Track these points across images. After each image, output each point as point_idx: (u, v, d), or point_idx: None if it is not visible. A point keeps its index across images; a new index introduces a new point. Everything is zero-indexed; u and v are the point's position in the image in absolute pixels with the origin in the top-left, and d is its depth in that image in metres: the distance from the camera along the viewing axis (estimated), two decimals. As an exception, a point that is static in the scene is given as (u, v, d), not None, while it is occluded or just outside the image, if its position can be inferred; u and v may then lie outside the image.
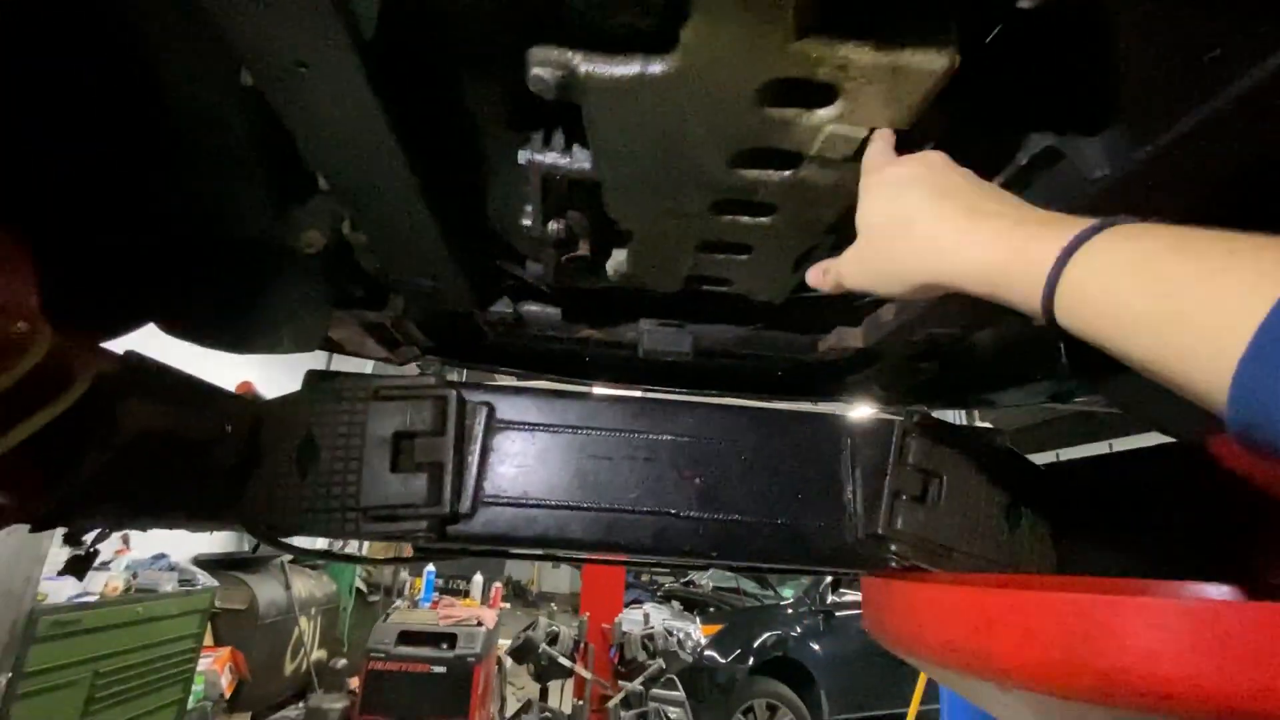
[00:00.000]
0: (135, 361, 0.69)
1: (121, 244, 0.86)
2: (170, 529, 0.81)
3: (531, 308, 1.14)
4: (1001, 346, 1.29)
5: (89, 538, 0.69)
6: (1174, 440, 1.08)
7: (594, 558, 0.96)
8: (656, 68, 0.52)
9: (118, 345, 0.87)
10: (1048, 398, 1.61)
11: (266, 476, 0.85)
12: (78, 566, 0.70)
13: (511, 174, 0.76)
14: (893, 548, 0.96)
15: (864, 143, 0.59)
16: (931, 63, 0.50)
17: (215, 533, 5.74)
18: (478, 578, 5.00)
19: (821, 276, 0.65)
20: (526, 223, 0.76)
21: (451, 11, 0.54)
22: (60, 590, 3.62)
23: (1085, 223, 0.42)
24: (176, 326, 1.06)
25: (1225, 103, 0.47)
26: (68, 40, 0.62)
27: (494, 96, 0.64)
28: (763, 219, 0.73)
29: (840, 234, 0.78)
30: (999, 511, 0.98)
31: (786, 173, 0.64)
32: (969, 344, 1.21)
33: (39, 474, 0.61)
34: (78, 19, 0.60)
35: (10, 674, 3.27)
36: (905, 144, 0.61)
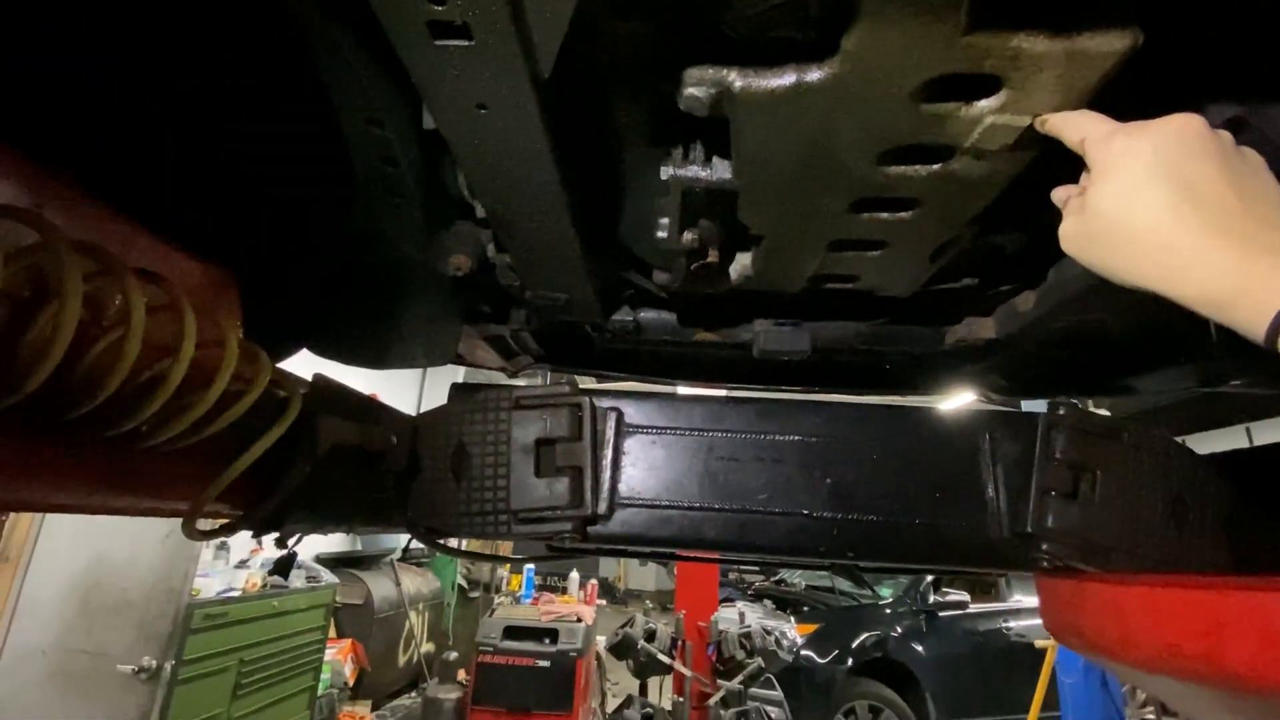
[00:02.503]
0: (324, 382, 0.77)
1: (295, 278, 0.95)
2: (349, 532, 0.89)
3: (649, 315, 1.17)
4: (1142, 326, 1.19)
5: (291, 541, 0.77)
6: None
7: (728, 557, 0.97)
8: (814, 76, 0.53)
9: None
10: (1198, 381, 1.48)
11: (426, 484, 0.92)
12: (284, 567, 0.78)
13: (647, 189, 0.78)
14: (1044, 547, 0.91)
15: (1025, 131, 0.57)
16: (1111, 44, 0.48)
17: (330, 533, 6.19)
18: (574, 575, 5.15)
19: (1063, 199, 0.59)
20: (662, 235, 0.78)
21: (615, 41, 0.56)
22: (210, 586, 4.02)
23: None
24: (326, 347, 1.17)
25: None
26: (274, 92, 0.70)
27: (639, 117, 0.67)
28: (903, 214, 0.72)
29: (985, 224, 0.76)
30: (1163, 507, 0.91)
31: (935, 166, 0.63)
32: (1107, 327, 1.13)
33: (257, 486, 0.70)
34: (285, 78, 0.67)
35: (174, 661, 3.68)
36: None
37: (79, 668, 3.59)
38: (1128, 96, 0.63)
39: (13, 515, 3.70)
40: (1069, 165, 0.72)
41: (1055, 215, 0.70)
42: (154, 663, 3.63)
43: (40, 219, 0.48)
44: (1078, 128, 0.53)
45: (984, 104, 0.54)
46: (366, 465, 0.85)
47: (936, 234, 0.76)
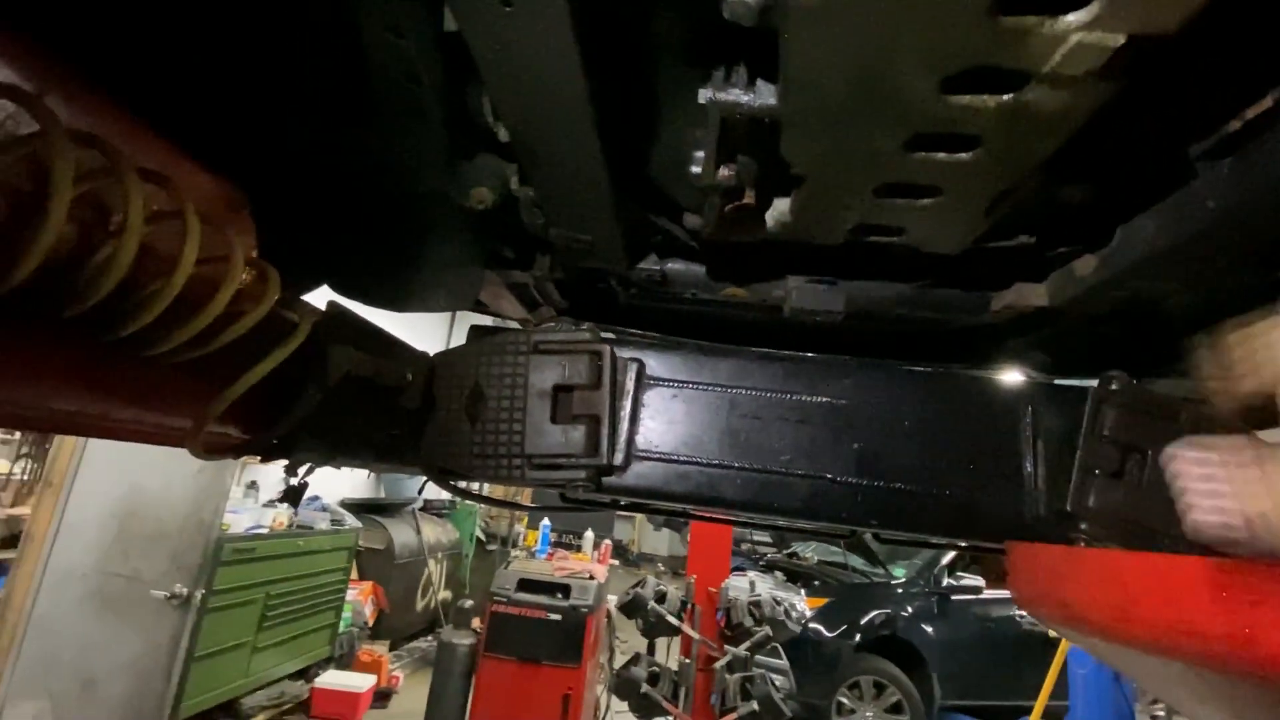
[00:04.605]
0: (339, 311, 0.74)
1: (314, 205, 0.93)
2: (362, 468, 0.88)
3: (676, 266, 1.12)
4: (1203, 303, 1.11)
5: (301, 471, 0.76)
6: None
7: (745, 518, 0.94)
8: (878, -22, 0.47)
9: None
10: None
11: (441, 423, 0.90)
12: (293, 496, 0.78)
13: (680, 117, 0.73)
14: (1083, 526, 0.86)
15: (1116, 54, 0.50)
16: (1234, -58, 0.41)
17: (354, 479, 6.37)
18: (589, 534, 5.22)
19: None
20: (696, 169, 0.73)
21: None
22: (239, 522, 4.17)
23: None
24: (349, 286, 1.15)
25: None
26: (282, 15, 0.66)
27: (679, 27, 0.61)
28: (962, 155, 0.65)
29: (1050, 173, 0.69)
30: (1219, 493, 0.85)
31: (1006, 97, 0.56)
32: (1169, 299, 1.05)
33: (266, 411, 0.68)
34: None
35: (204, 590, 3.84)
36: (1150, 56, 0.51)
37: (115, 590, 3.78)
38: (1231, 28, 0.55)
39: (56, 442, 3.86)
40: (1159, 102, 0.64)
41: (1131, 163, 0.63)
42: (185, 590, 3.80)
43: (39, 105, 0.46)
44: None
45: (1071, 18, 0.48)
46: (381, 400, 0.83)
47: (996, 181, 0.70)
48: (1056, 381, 1.13)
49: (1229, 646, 0.35)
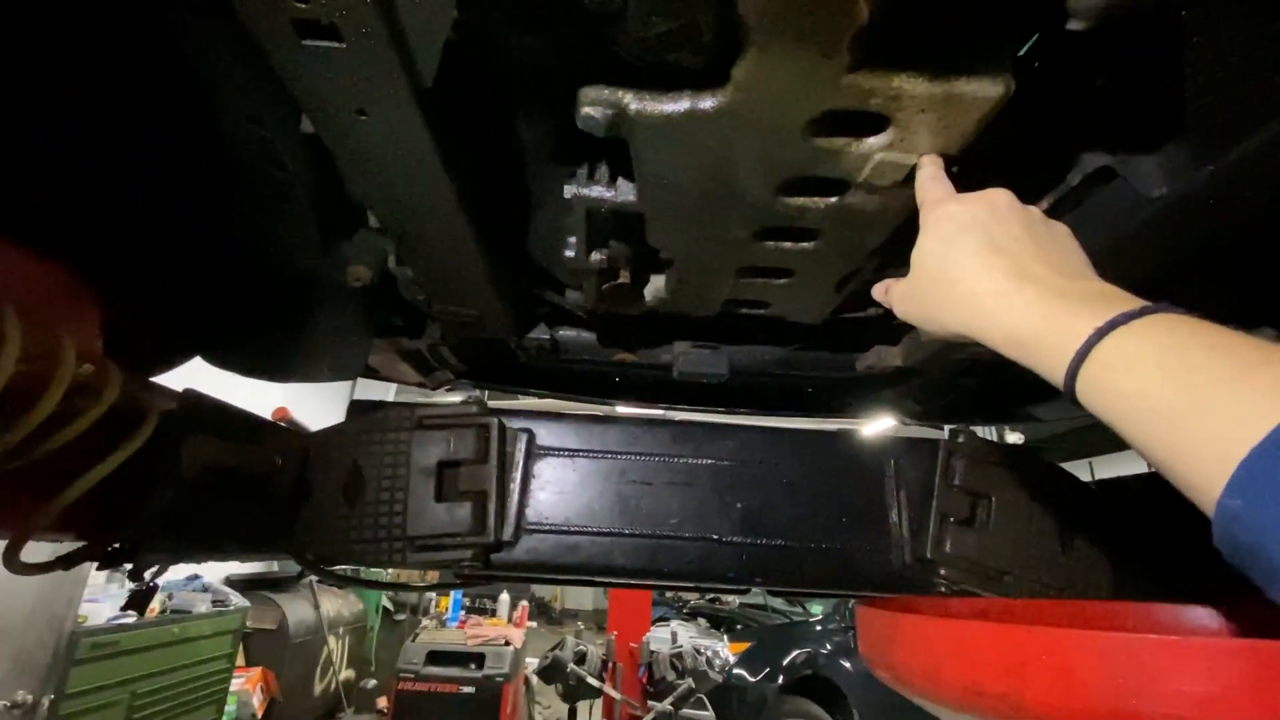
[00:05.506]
0: (194, 399, 0.70)
1: (174, 282, 0.88)
2: (224, 561, 0.82)
3: (567, 333, 1.15)
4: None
5: (149, 573, 0.70)
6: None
7: (637, 584, 0.95)
8: (706, 104, 0.53)
9: (171, 379, 0.89)
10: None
11: (316, 507, 0.86)
12: (140, 601, 0.71)
13: (554, 206, 0.76)
14: (942, 572, 0.94)
15: (914, 169, 0.59)
16: (986, 90, 0.50)
17: (246, 553, 5.80)
18: (504, 596, 5.00)
19: (883, 294, 0.67)
20: (569, 254, 0.76)
21: (506, 55, 0.55)
22: (99, 612, 3.68)
23: (1126, 303, 0.43)
24: (223, 358, 1.09)
25: (1294, 122, 0.46)
26: (132, 86, 0.64)
27: (541, 133, 0.65)
28: (805, 244, 0.73)
29: (886, 256, 0.78)
30: (1051, 533, 0.95)
31: (832, 199, 0.64)
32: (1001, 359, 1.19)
33: (107, 514, 0.63)
34: (145, 65, 0.62)
35: (53, 695, 3.33)
36: (950, 165, 0.61)
37: (-62, 706, 3.20)
38: (1011, 145, 0.66)
39: None
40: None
41: None
42: (30, 698, 3.27)
43: None
44: (922, 190, 0.58)
45: (872, 141, 0.56)
46: (246, 488, 0.79)
47: (839, 264, 0.78)
48: (919, 433, 1.24)
49: (1006, 706, 0.40)
